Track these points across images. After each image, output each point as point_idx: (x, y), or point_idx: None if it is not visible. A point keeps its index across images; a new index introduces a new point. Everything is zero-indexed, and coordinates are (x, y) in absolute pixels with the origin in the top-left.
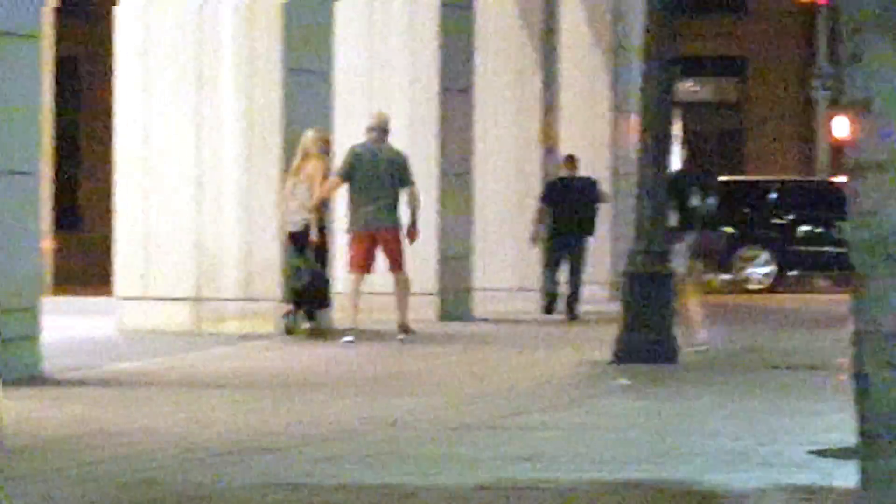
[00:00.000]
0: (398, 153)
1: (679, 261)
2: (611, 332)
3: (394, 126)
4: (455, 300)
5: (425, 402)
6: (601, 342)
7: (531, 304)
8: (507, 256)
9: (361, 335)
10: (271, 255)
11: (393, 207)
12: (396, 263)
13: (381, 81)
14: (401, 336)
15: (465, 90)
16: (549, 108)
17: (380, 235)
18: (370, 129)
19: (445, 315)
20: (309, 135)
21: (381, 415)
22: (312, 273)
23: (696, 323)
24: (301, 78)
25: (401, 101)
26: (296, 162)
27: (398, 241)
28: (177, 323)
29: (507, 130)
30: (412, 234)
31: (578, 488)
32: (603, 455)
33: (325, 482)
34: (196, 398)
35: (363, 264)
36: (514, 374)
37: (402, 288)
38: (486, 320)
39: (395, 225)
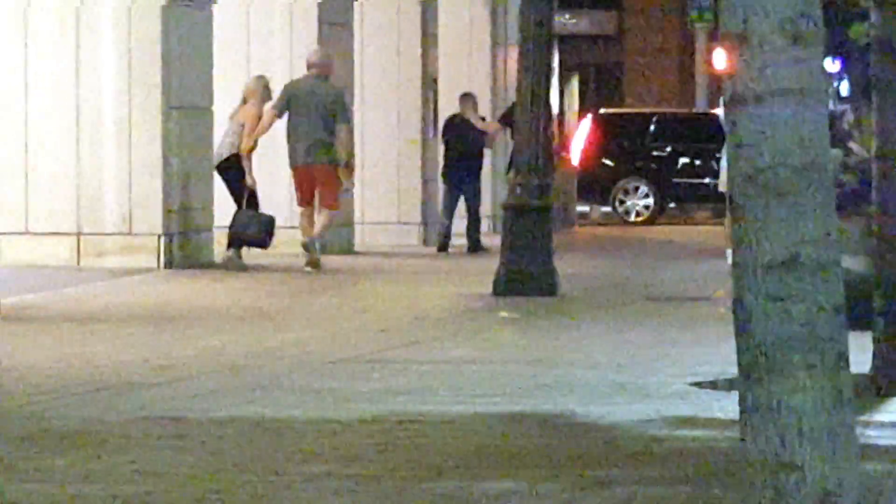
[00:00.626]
0: (336, 90)
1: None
2: (492, 266)
3: (273, 60)
4: (336, 233)
5: (305, 336)
6: (482, 275)
7: (412, 237)
8: (388, 190)
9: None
10: (151, 190)
11: (328, 144)
12: (327, 200)
13: (260, 16)
14: (308, 269)
15: (344, 24)
16: (428, 39)
17: (315, 170)
18: (309, 66)
19: (326, 249)
20: (249, 81)
21: (260, 349)
22: (261, 218)
23: None
24: (180, 10)
25: (280, 36)
26: (237, 105)
27: (333, 178)
28: (58, 257)
29: (386, 64)
30: (347, 171)
31: (459, 420)
32: (484, 388)
33: (205, 416)
34: (77, 333)
35: (308, 199)
36: (395, 307)
37: (326, 223)
38: (367, 254)
39: (331, 161)
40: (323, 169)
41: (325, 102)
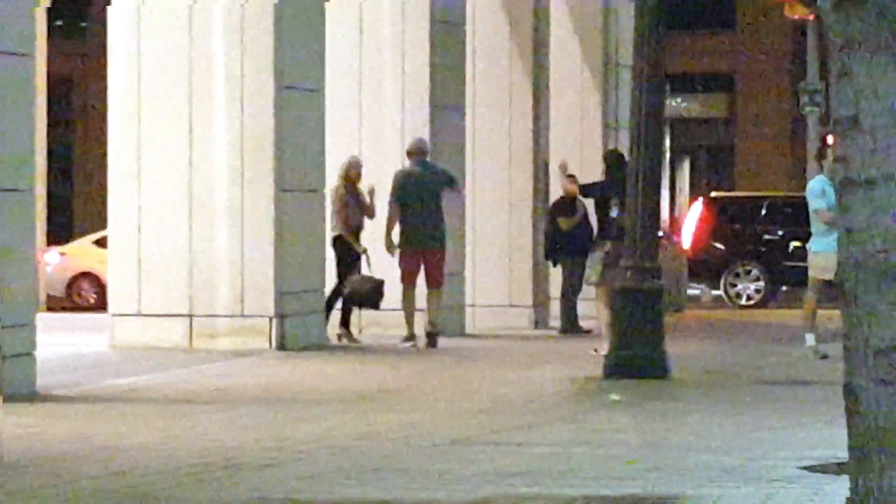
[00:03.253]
0: (441, 171)
1: (593, 268)
2: (602, 348)
3: (386, 144)
4: (447, 316)
5: (418, 418)
6: (593, 358)
7: (522, 319)
8: (499, 272)
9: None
10: (264, 272)
11: (438, 226)
12: (437, 281)
13: (373, 98)
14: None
15: (457, 107)
16: (540, 124)
17: (427, 254)
18: (409, 154)
19: (439, 330)
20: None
21: (372, 430)
22: (373, 279)
23: (605, 331)
24: (293, 94)
25: (392, 118)
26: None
27: (441, 260)
28: (170, 339)
29: (498, 146)
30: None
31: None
32: (595, 471)
33: (316, 497)
34: (188, 414)
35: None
36: (506, 389)
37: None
38: (478, 336)
39: (441, 244)
40: (436, 252)
41: (434, 185)
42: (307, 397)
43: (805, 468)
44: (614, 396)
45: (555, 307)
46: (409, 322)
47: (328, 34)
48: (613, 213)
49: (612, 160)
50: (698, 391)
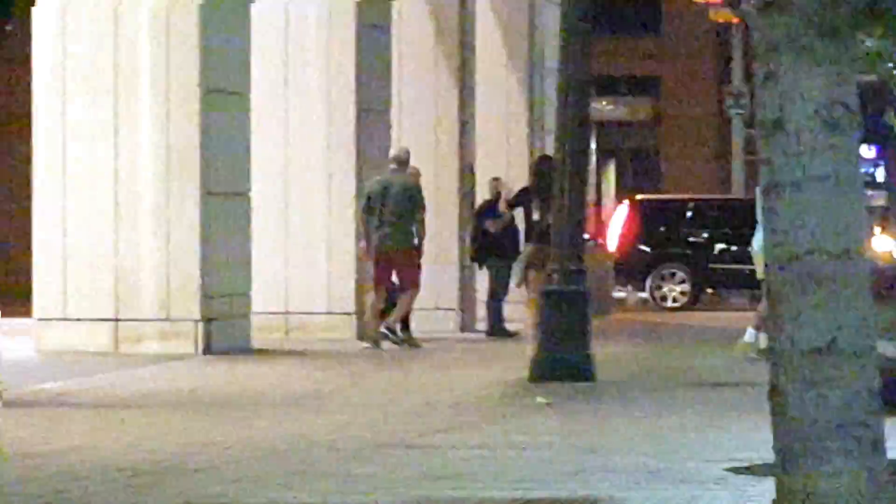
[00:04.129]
0: (410, 183)
1: (516, 271)
2: (529, 351)
3: (311, 148)
4: (374, 320)
5: (343, 421)
6: (519, 361)
7: (449, 322)
8: (425, 275)
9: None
10: (189, 276)
11: (405, 231)
12: (407, 282)
13: (299, 102)
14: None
15: (383, 111)
16: (465, 127)
17: (394, 256)
18: (390, 160)
19: (364, 334)
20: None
21: (300, 433)
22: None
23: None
24: (219, 98)
25: (318, 122)
26: None
27: (410, 262)
28: (95, 344)
29: (424, 150)
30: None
31: None
32: (522, 473)
33: (244, 501)
34: (115, 419)
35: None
36: (433, 392)
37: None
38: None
39: (408, 247)
40: (402, 254)
41: (403, 194)
42: (234, 401)
43: (731, 470)
44: (541, 399)
45: (481, 310)
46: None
47: (254, 38)
48: (535, 216)
49: (540, 163)
50: (625, 393)
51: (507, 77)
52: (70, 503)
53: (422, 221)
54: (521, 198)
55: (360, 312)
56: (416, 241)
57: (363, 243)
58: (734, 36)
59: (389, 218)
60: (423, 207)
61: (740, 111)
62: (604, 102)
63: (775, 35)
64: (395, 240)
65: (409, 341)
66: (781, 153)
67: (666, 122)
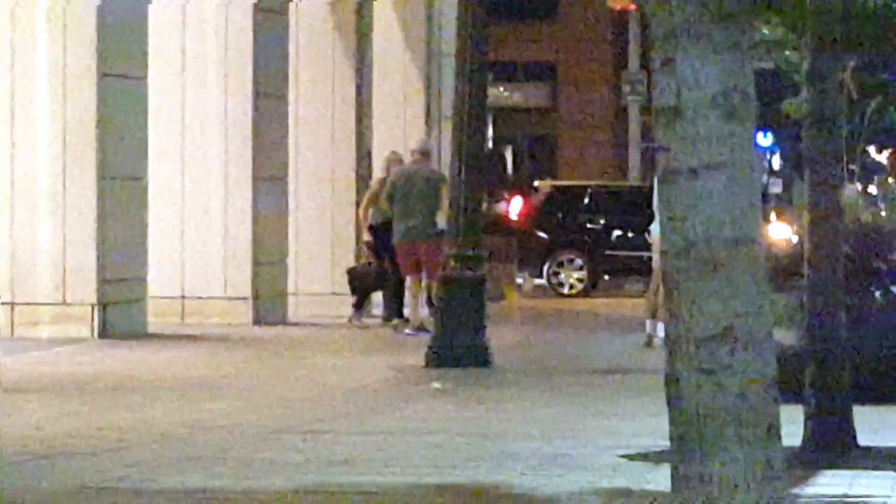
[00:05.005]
0: (434, 173)
1: None
2: (426, 338)
3: (207, 132)
4: (270, 304)
5: (239, 406)
6: (416, 347)
7: (345, 308)
8: (322, 260)
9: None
10: (86, 260)
11: (431, 221)
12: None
13: (196, 86)
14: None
15: (280, 95)
16: (363, 112)
17: (420, 246)
18: (412, 152)
19: (261, 319)
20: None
21: (196, 419)
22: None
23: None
24: (115, 83)
25: (215, 106)
26: None
27: (436, 251)
28: None
29: (321, 136)
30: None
31: (393, 492)
32: (418, 459)
33: (137, 486)
34: (8, 402)
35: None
36: (329, 378)
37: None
38: (301, 324)
39: (434, 236)
40: (425, 243)
41: (426, 185)
42: (130, 385)
43: (626, 456)
44: (437, 385)
45: (378, 296)
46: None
47: (151, 21)
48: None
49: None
50: (521, 380)
51: (405, 62)
52: None
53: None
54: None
55: (256, 297)
56: (440, 229)
57: (367, 237)
58: (631, 22)
59: (415, 208)
60: (448, 197)
61: (637, 98)
62: (501, 89)
63: (672, 22)
64: (421, 229)
65: (388, 322)
66: (678, 140)
67: (562, 108)
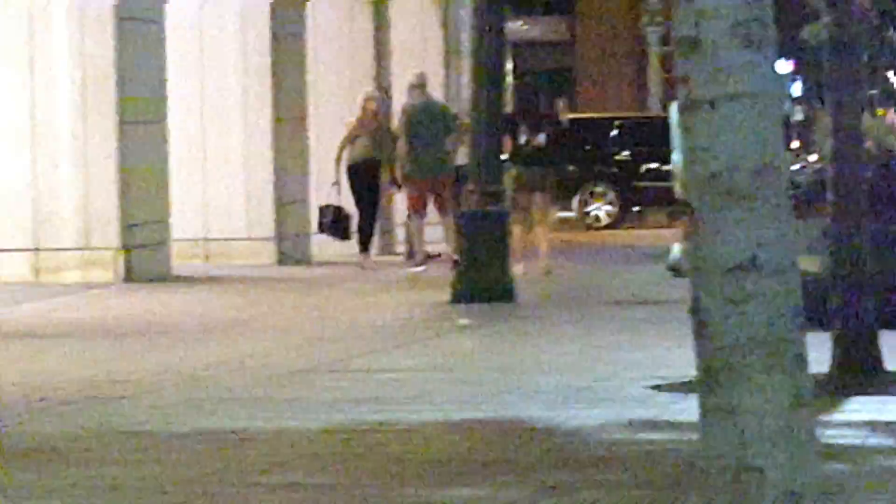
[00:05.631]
0: (447, 108)
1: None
2: (450, 273)
3: (226, 73)
4: (293, 244)
5: (265, 346)
6: (440, 283)
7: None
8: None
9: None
10: (108, 205)
11: (446, 155)
12: (447, 206)
13: (212, 28)
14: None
15: (297, 34)
16: (381, 51)
17: (436, 181)
18: (413, 87)
19: (284, 259)
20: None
21: (221, 360)
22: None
23: (517, 252)
24: (133, 26)
25: (232, 47)
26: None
27: (450, 186)
28: (15, 274)
29: (338, 75)
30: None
31: (421, 429)
32: (445, 395)
33: (166, 429)
34: (37, 348)
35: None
36: (354, 316)
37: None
38: (324, 264)
39: (450, 171)
40: (442, 178)
41: (442, 118)
42: (156, 329)
43: (654, 388)
44: (462, 321)
45: (401, 233)
46: (421, 247)
47: None
48: (521, 140)
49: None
50: (547, 314)
51: None
52: None
53: (455, 144)
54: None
55: (279, 237)
56: (456, 165)
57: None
58: None
59: (433, 143)
60: (457, 130)
61: (656, 29)
62: (519, 23)
63: None
64: (440, 165)
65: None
66: (698, 71)
67: (581, 41)
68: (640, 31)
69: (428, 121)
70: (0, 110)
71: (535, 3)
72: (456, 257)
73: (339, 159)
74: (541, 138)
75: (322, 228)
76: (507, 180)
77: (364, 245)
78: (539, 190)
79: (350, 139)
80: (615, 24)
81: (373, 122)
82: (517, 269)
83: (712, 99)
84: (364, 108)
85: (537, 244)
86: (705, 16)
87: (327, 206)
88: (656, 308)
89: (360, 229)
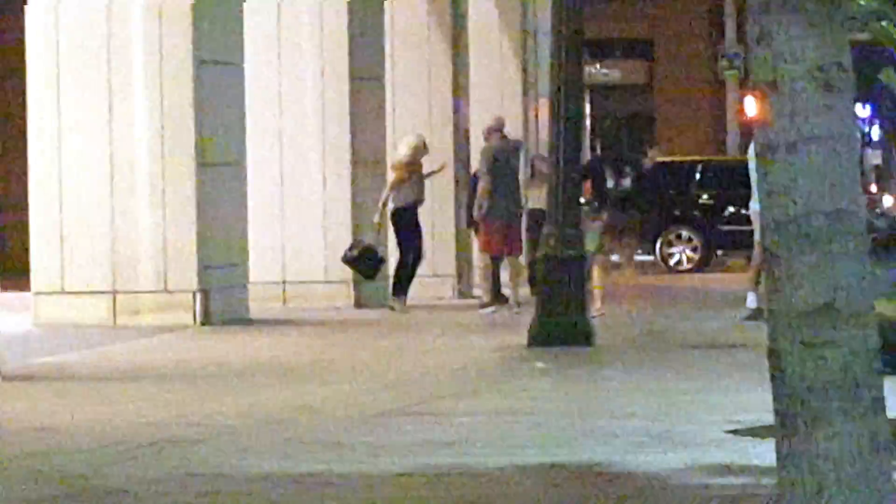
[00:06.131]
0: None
1: (592, 238)
2: (527, 316)
3: (305, 116)
4: (371, 287)
5: (344, 390)
6: (517, 326)
7: (446, 288)
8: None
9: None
10: (186, 246)
11: (520, 201)
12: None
13: (292, 70)
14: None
15: (376, 79)
16: (459, 94)
17: (513, 223)
18: (492, 130)
19: (362, 302)
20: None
21: (300, 403)
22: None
23: (595, 296)
24: (212, 70)
25: (311, 91)
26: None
27: (519, 228)
28: (93, 316)
29: (416, 118)
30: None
31: (499, 473)
32: (522, 439)
33: (245, 472)
34: (114, 391)
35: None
36: (432, 359)
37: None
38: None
39: (521, 216)
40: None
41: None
42: (234, 371)
43: (731, 432)
44: (540, 364)
45: (478, 275)
46: (496, 290)
47: (246, 7)
48: (609, 184)
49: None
50: (624, 357)
51: (501, 41)
52: (70, 477)
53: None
54: (592, 166)
55: (357, 280)
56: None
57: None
58: None
59: (513, 186)
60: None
61: (734, 73)
62: (598, 66)
63: None
64: (517, 210)
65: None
66: (775, 114)
67: (660, 84)
68: (718, 75)
69: (505, 163)
70: (80, 153)
71: (614, 47)
72: (486, 300)
73: (385, 202)
74: (625, 182)
75: (346, 259)
76: (596, 224)
77: (400, 288)
78: (625, 233)
79: (399, 183)
80: (693, 67)
81: (419, 167)
82: (596, 309)
83: (790, 142)
84: (414, 152)
85: (621, 285)
86: (783, 59)
87: (358, 240)
88: (735, 352)
89: (400, 272)
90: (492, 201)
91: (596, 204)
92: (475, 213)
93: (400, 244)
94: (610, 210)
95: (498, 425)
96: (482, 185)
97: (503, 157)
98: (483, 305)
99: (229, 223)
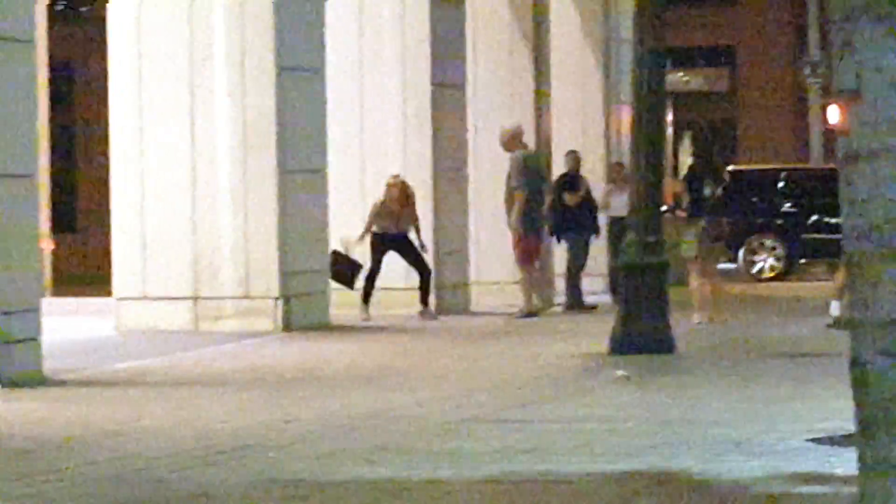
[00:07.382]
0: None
1: (689, 243)
2: (608, 324)
3: (387, 122)
4: (452, 294)
5: (424, 397)
6: (598, 334)
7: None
8: (502, 249)
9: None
10: (267, 253)
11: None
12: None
13: (373, 79)
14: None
15: (458, 87)
16: (541, 101)
17: (540, 233)
18: (515, 139)
19: (443, 309)
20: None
21: (381, 409)
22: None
23: (697, 303)
24: (294, 76)
25: (393, 98)
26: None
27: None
28: (175, 322)
29: (500, 124)
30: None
31: (580, 480)
32: (603, 446)
33: (325, 478)
34: (196, 396)
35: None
36: (513, 367)
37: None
38: (482, 313)
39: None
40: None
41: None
42: (314, 378)
43: (813, 440)
44: (621, 372)
45: (559, 284)
46: (530, 298)
47: (328, 14)
48: (706, 191)
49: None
50: (705, 366)
51: (582, 50)
52: (150, 482)
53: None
54: (690, 174)
55: (440, 287)
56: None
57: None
58: (810, 4)
59: (538, 196)
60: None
61: (817, 81)
62: (679, 74)
63: (851, 3)
64: (543, 218)
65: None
66: (858, 123)
67: (742, 92)
68: (801, 82)
69: (535, 173)
70: (161, 161)
71: (697, 54)
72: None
73: (368, 229)
74: (707, 191)
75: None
76: (693, 232)
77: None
78: (718, 241)
79: (386, 214)
80: (776, 75)
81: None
82: (694, 317)
83: (873, 151)
84: (388, 192)
85: (711, 294)
86: (866, 68)
87: (335, 252)
88: (817, 360)
89: (424, 284)
90: (530, 214)
91: (694, 211)
92: (516, 226)
93: (412, 262)
94: (706, 217)
95: (578, 432)
96: (521, 199)
97: (533, 167)
98: (521, 315)
99: (310, 229)
